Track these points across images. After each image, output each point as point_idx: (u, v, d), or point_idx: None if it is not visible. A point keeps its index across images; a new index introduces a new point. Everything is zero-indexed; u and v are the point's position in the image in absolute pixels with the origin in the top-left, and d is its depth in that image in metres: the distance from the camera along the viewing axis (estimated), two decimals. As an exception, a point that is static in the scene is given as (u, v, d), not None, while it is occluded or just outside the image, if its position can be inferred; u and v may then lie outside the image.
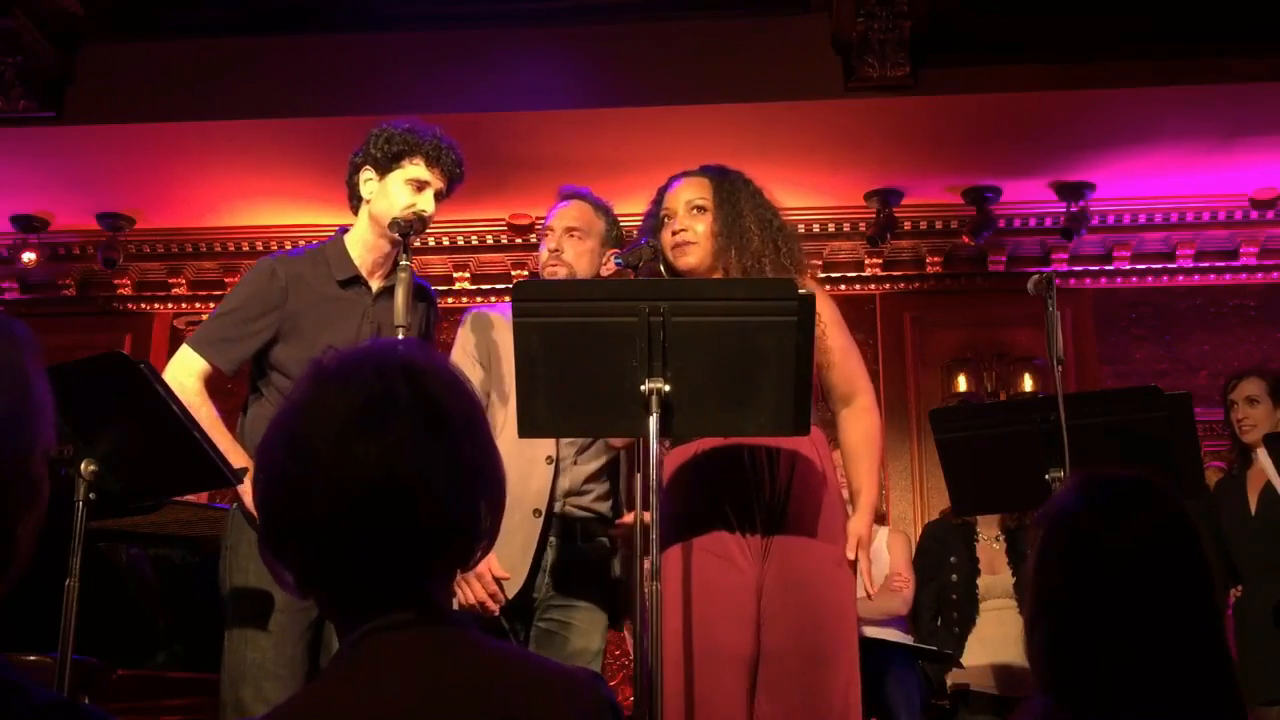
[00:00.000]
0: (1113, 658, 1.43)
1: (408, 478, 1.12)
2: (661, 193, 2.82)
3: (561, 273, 2.91)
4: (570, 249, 2.93)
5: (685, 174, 2.83)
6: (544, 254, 2.97)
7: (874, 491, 2.68)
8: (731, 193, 2.75)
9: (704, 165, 2.87)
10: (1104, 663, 1.44)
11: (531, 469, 2.84)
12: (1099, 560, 1.47)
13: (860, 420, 2.70)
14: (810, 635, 2.48)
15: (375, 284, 2.82)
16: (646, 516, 2.31)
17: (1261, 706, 3.93)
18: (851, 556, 2.56)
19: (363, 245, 2.82)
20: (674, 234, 2.72)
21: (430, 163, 2.76)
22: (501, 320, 2.95)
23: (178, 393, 2.61)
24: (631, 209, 3.07)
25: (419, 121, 2.83)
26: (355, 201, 2.84)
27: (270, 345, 2.73)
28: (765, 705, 2.48)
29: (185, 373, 2.70)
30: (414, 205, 2.73)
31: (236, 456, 2.58)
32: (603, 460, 2.95)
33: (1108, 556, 1.46)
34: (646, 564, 2.30)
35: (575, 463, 2.91)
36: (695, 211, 2.73)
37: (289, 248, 6.67)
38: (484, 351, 2.93)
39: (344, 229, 2.89)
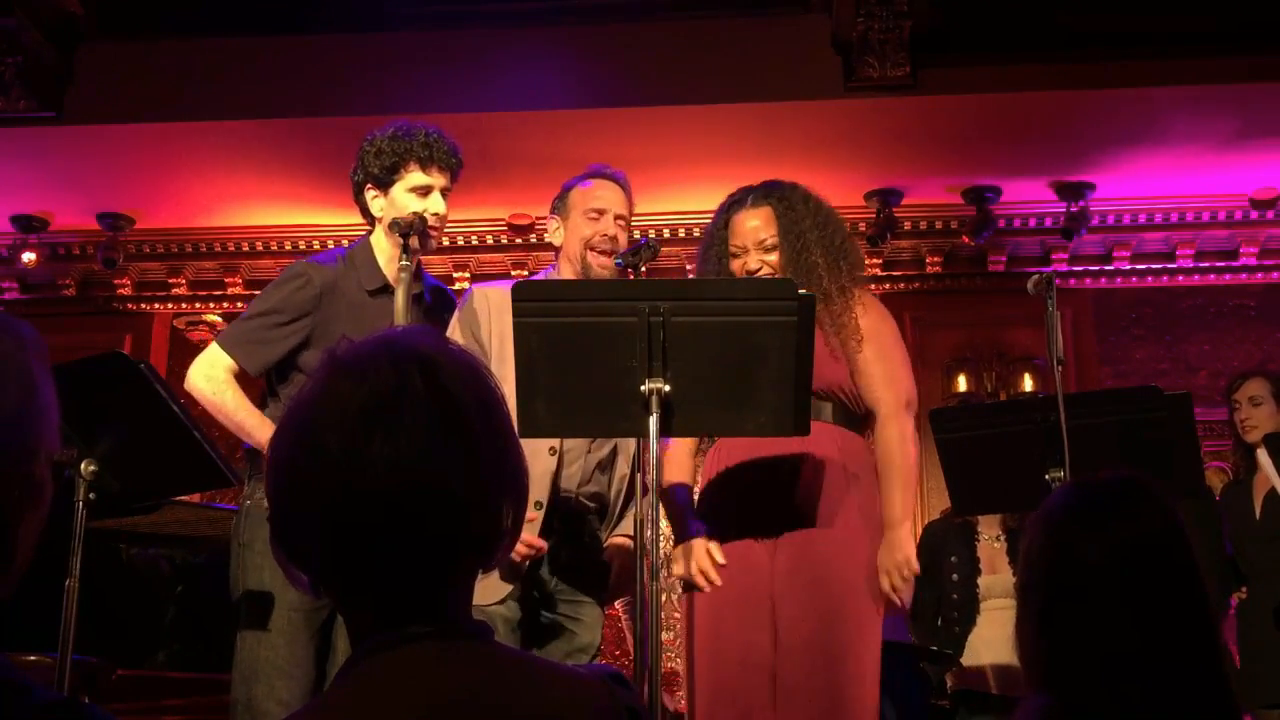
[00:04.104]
0: (1098, 659, 1.43)
1: (420, 483, 1.06)
2: (723, 217, 2.83)
3: (608, 262, 2.84)
4: (621, 238, 2.89)
5: (749, 198, 2.82)
6: (585, 228, 2.86)
7: (894, 510, 2.63)
8: (795, 222, 2.77)
9: (765, 186, 2.84)
10: (1090, 664, 1.43)
11: (534, 459, 2.79)
12: (1078, 564, 1.47)
13: (880, 437, 2.72)
14: (824, 630, 2.54)
15: None
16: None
17: (1264, 709, 3.93)
18: (885, 588, 2.58)
19: (385, 257, 2.82)
20: (749, 274, 2.75)
21: (425, 165, 2.77)
22: (503, 299, 2.77)
23: (206, 382, 2.66)
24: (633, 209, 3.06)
25: (403, 122, 2.82)
26: (370, 220, 2.85)
27: (298, 350, 2.72)
28: (783, 704, 2.53)
29: (212, 366, 2.70)
30: (425, 210, 2.75)
31: (266, 430, 2.57)
32: (611, 444, 2.91)
33: (1088, 560, 1.46)
34: (647, 563, 2.30)
35: (589, 451, 2.85)
36: (766, 251, 2.76)
37: (289, 248, 6.75)
38: (486, 330, 2.81)
39: (364, 236, 2.89)
